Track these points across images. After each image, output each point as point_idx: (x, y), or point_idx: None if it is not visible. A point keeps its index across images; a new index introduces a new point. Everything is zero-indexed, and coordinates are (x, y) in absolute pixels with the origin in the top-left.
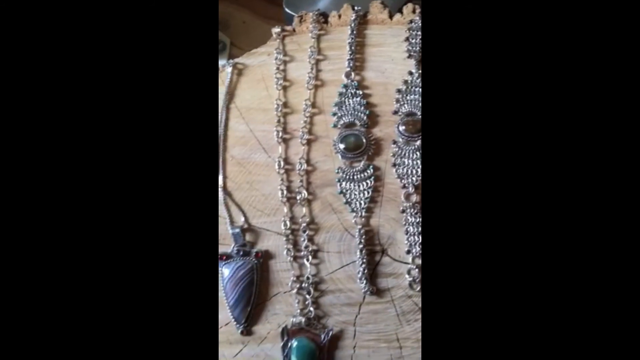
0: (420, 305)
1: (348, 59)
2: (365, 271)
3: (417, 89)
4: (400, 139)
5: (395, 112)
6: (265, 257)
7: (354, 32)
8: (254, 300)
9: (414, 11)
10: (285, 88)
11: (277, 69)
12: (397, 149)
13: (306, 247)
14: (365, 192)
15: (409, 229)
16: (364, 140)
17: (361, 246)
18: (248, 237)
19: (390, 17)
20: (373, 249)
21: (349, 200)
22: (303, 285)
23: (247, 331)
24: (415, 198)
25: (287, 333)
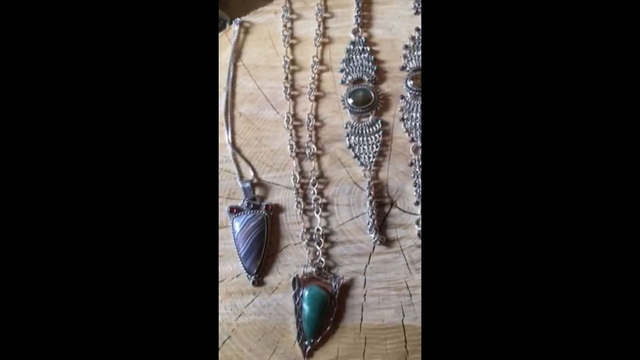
0: None
1: (355, 16)
2: (375, 222)
3: None
4: (408, 94)
5: (403, 68)
6: (275, 210)
7: None
8: (265, 251)
9: None
10: (292, 46)
11: (284, 26)
12: (405, 104)
13: (316, 200)
14: (374, 146)
15: (417, 181)
16: (373, 95)
17: (370, 198)
18: (258, 191)
19: None
20: (382, 201)
21: (358, 154)
22: (313, 237)
23: (258, 282)
24: None
25: (298, 282)
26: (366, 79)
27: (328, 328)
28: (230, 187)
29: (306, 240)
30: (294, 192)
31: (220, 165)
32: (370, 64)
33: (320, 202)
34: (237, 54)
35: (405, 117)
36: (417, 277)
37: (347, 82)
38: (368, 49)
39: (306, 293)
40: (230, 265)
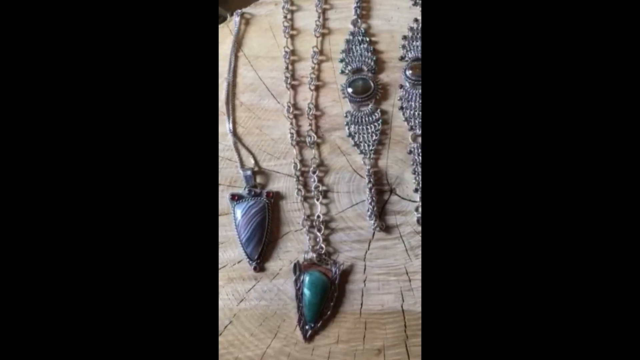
0: None
1: (355, 7)
2: (374, 209)
3: None
4: (407, 83)
5: (402, 58)
6: (276, 197)
7: None
8: (266, 238)
9: None
10: (292, 36)
11: (285, 18)
12: (403, 93)
13: (316, 187)
14: (373, 135)
15: (416, 169)
16: (372, 84)
17: (370, 186)
18: (258, 179)
19: None
20: (382, 189)
21: (358, 142)
22: (314, 223)
23: (259, 267)
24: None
25: (299, 268)
26: (365, 68)
27: (328, 313)
28: (231, 175)
29: (307, 227)
30: (295, 179)
31: (221, 154)
32: (369, 54)
33: (320, 189)
34: (238, 44)
35: (404, 106)
36: (416, 263)
37: (347, 71)
38: (367, 39)
39: (307, 278)
40: (232, 252)
